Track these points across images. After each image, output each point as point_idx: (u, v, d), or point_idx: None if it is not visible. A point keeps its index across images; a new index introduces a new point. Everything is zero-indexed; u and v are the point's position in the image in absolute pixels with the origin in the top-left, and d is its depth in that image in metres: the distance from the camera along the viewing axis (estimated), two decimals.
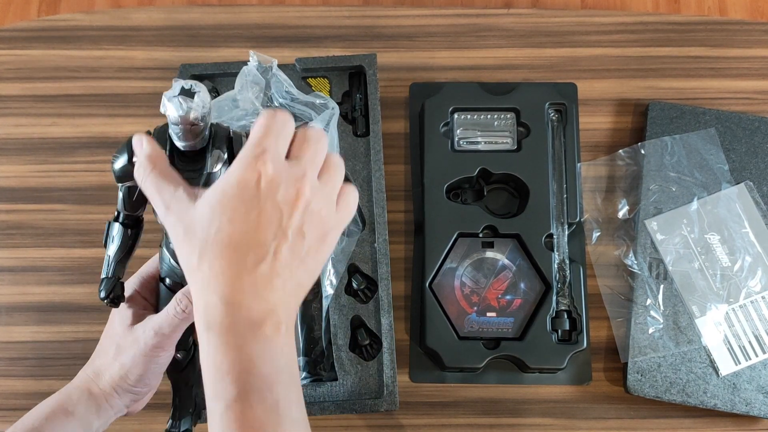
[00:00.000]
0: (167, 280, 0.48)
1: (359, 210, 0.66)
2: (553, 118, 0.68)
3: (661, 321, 0.62)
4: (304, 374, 0.61)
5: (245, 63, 0.59)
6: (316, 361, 0.60)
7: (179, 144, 0.41)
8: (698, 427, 0.62)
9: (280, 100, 0.61)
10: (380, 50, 0.71)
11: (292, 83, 0.60)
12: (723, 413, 0.61)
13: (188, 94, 0.38)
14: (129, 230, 0.47)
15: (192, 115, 0.38)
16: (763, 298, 0.63)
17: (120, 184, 0.45)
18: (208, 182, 0.41)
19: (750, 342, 0.62)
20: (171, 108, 0.38)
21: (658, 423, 0.62)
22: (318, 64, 0.68)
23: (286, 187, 0.35)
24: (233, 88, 0.60)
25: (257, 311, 0.35)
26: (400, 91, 0.71)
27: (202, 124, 0.39)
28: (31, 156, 0.70)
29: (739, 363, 0.61)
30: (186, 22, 0.74)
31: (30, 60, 0.73)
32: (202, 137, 0.41)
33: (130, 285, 0.50)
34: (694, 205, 0.65)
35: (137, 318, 0.48)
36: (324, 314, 0.62)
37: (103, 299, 0.48)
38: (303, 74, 0.69)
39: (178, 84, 0.39)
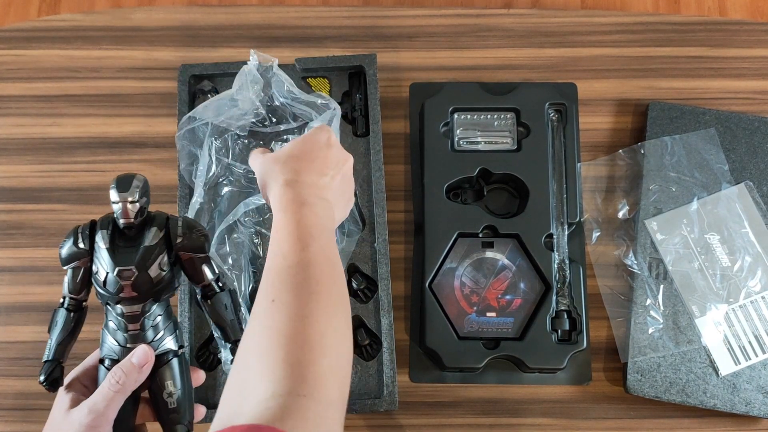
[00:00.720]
0: (106, 361, 0.51)
1: (359, 210, 0.66)
2: (553, 118, 0.68)
3: (661, 321, 0.62)
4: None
5: (245, 63, 0.59)
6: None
7: (120, 222, 0.49)
8: (698, 427, 0.62)
9: (281, 99, 0.61)
10: (380, 50, 0.71)
11: (293, 82, 0.60)
12: (723, 413, 0.61)
13: (126, 181, 0.48)
14: (71, 314, 0.51)
15: (129, 198, 0.48)
16: (762, 298, 0.63)
17: (66, 267, 0.51)
18: (140, 254, 0.48)
19: (750, 342, 0.62)
20: (112, 193, 0.48)
21: (658, 423, 0.62)
22: (318, 64, 0.68)
23: (340, 149, 0.53)
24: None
25: (320, 196, 0.50)
26: (400, 91, 0.71)
27: (138, 203, 0.48)
28: (31, 156, 0.70)
29: (739, 363, 0.61)
30: (186, 23, 0.74)
31: (30, 60, 0.73)
32: (138, 216, 0.49)
33: (72, 373, 0.52)
34: (694, 205, 0.65)
35: (75, 403, 0.49)
36: None
37: (41, 382, 0.50)
38: (303, 74, 0.69)
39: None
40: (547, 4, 1.29)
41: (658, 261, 0.64)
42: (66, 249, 0.50)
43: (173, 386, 0.52)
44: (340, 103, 0.68)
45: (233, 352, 0.52)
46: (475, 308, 0.63)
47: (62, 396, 0.50)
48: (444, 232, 0.64)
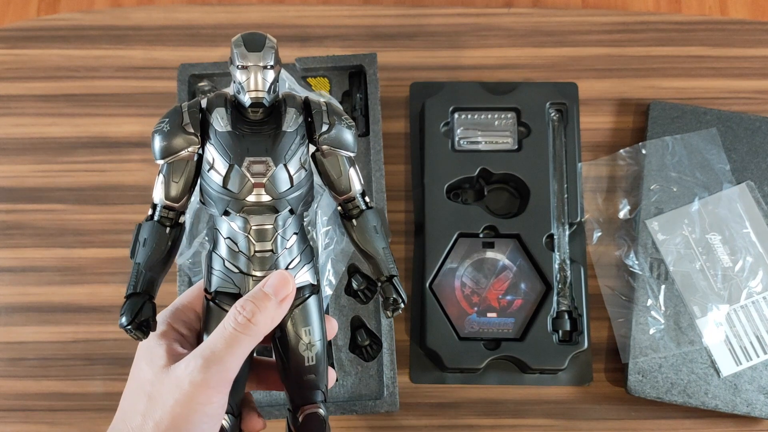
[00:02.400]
0: (218, 296, 0.38)
1: None
2: (554, 117, 0.68)
3: (662, 321, 0.62)
4: None
5: None
6: None
7: (246, 98, 0.35)
8: (699, 428, 0.62)
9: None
10: (380, 50, 0.71)
11: (294, 80, 0.60)
12: (724, 414, 0.61)
13: (257, 40, 0.35)
14: (167, 229, 0.37)
15: (262, 62, 0.34)
16: (764, 298, 0.63)
17: (162, 160, 0.37)
18: (279, 142, 0.35)
19: (751, 342, 0.62)
20: (237, 56, 0.34)
21: (659, 424, 0.62)
22: (318, 63, 0.68)
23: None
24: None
25: None
26: (401, 90, 0.70)
27: (273, 72, 0.35)
28: (30, 156, 0.70)
29: (740, 364, 0.61)
30: (186, 22, 0.73)
31: (29, 59, 0.73)
32: (273, 90, 0.36)
33: (162, 318, 0.39)
34: (696, 205, 0.65)
35: (173, 357, 0.36)
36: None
37: (125, 326, 0.36)
38: (303, 74, 0.69)
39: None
40: (547, 3, 1.29)
41: (659, 261, 0.64)
42: (164, 134, 0.36)
43: (311, 335, 0.38)
44: (340, 103, 0.68)
45: (386, 291, 0.39)
46: (475, 309, 0.63)
47: (153, 347, 0.37)
48: (444, 232, 0.64)
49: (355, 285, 0.63)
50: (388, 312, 0.40)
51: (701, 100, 0.70)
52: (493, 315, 0.63)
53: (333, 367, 0.62)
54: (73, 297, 0.66)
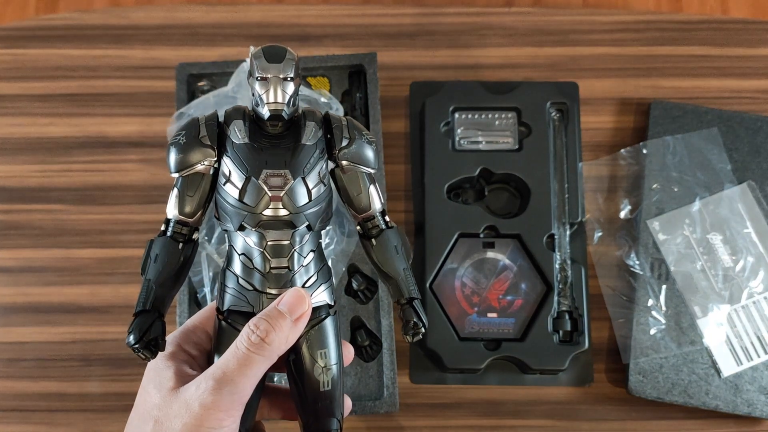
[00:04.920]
0: (231, 315, 0.36)
1: None
2: (555, 117, 0.68)
3: (663, 322, 0.62)
4: None
5: (244, 61, 0.59)
6: None
7: (265, 110, 0.34)
8: (700, 428, 0.62)
9: None
10: (380, 49, 0.70)
11: None
12: (725, 414, 0.61)
13: (278, 52, 0.35)
14: (179, 245, 0.36)
15: (283, 74, 0.34)
16: (765, 298, 0.63)
17: (178, 173, 0.36)
18: (297, 155, 0.34)
19: (752, 343, 0.62)
20: (257, 67, 0.34)
21: (660, 424, 0.62)
22: (318, 62, 0.68)
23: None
24: None
25: None
26: (401, 90, 0.70)
27: (292, 84, 0.34)
28: (28, 156, 0.70)
29: (741, 364, 0.61)
30: (185, 21, 0.73)
31: (28, 59, 0.72)
32: (292, 103, 0.35)
33: (171, 339, 0.38)
34: (696, 205, 0.65)
35: (182, 379, 0.34)
36: None
37: (132, 345, 0.34)
38: (303, 73, 0.69)
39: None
40: (548, 2, 1.29)
41: (660, 261, 0.64)
42: (181, 147, 0.35)
43: (327, 358, 0.36)
44: (340, 102, 0.67)
45: (407, 314, 0.37)
46: (476, 309, 0.63)
47: (161, 369, 0.35)
48: (445, 232, 0.64)
49: (355, 285, 0.63)
50: (408, 337, 0.38)
51: (702, 100, 0.69)
52: (494, 315, 0.62)
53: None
54: (71, 297, 0.66)
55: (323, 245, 0.59)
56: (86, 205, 0.68)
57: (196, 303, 0.62)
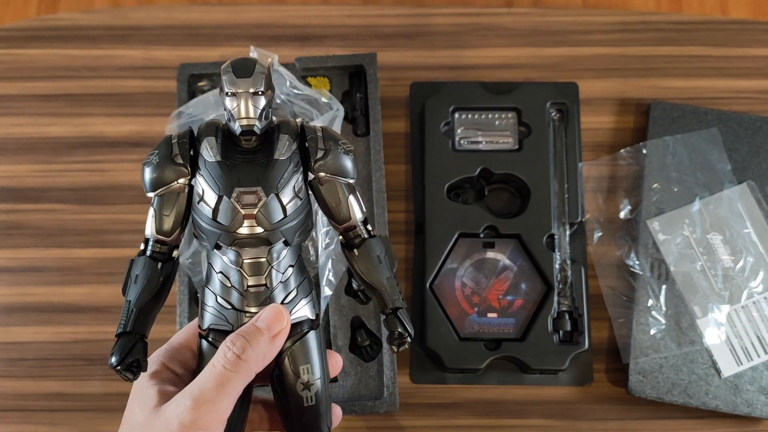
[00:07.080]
0: (211, 334, 0.36)
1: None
2: (555, 117, 0.68)
3: (663, 322, 0.62)
4: None
5: None
6: None
7: (236, 126, 0.34)
8: (700, 428, 0.62)
9: (282, 96, 0.61)
10: (380, 49, 0.71)
11: (295, 78, 0.60)
12: (725, 414, 0.61)
13: (246, 65, 0.34)
14: (158, 264, 0.36)
15: (252, 88, 0.33)
16: (765, 298, 0.63)
17: (153, 193, 0.36)
18: (270, 171, 0.34)
19: (752, 343, 0.62)
20: (226, 82, 0.33)
21: (660, 424, 0.62)
22: (318, 63, 0.68)
23: None
24: None
25: None
26: (401, 90, 0.70)
27: (263, 98, 0.34)
28: (29, 156, 0.70)
29: (741, 364, 0.61)
30: (185, 21, 0.73)
31: (28, 59, 0.73)
32: (265, 116, 0.34)
33: (155, 357, 0.38)
34: (696, 205, 0.65)
35: (164, 397, 0.34)
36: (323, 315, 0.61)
37: (115, 366, 0.34)
38: (303, 73, 0.69)
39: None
40: (548, 2, 1.29)
41: (660, 261, 0.64)
42: (154, 166, 0.35)
43: (310, 373, 0.36)
44: (341, 102, 0.67)
45: (391, 324, 0.37)
46: (476, 309, 0.63)
47: (145, 388, 0.35)
48: (445, 232, 0.64)
49: (355, 285, 0.63)
50: (393, 347, 0.38)
51: (702, 100, 0.70)
52: (494, 315, 0.63)
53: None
54: (72, 297, 0.66)
55: (324, 246, 0.59)
56: (87, 204, 0.68)
57: (196, 303, 0.63)
